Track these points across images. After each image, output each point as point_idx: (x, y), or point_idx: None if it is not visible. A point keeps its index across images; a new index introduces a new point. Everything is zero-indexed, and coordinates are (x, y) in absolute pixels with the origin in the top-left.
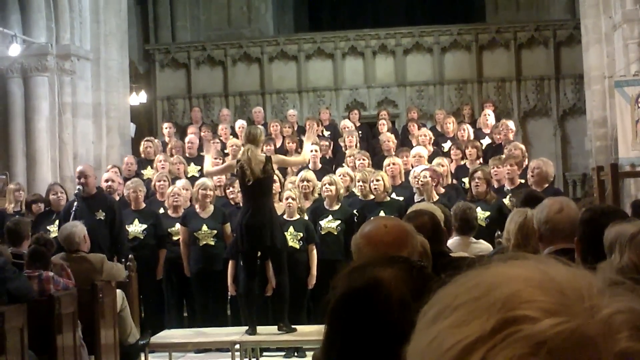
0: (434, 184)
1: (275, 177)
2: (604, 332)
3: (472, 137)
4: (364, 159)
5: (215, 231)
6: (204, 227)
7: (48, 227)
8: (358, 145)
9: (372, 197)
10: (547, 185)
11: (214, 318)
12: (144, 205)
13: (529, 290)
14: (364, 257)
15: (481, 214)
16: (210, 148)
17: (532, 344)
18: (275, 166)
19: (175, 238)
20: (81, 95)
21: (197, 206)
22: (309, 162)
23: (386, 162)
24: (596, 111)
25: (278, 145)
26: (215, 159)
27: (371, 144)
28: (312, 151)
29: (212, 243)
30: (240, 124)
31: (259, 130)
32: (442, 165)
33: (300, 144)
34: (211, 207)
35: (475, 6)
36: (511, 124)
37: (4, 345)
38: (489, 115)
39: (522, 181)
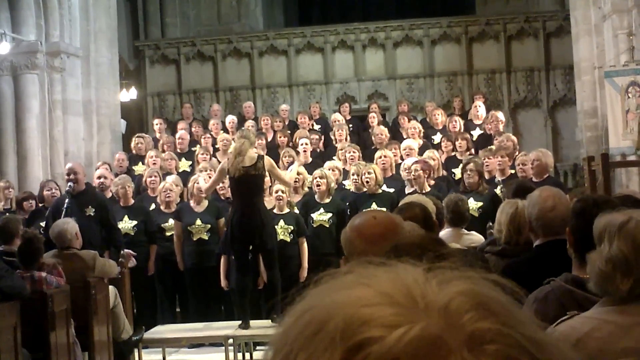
0: (426, 176)
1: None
2: (448, 325)
3: (462, 129)
4: (354, 152)
5: (209, 225)
6: (198, 221)
7: (41, 224)
8: (348, 138)
9: (364, 189)
10: (546, 175)
11: (207, 313)
12: (132, 201)
13: (363, 310)
14: (358, 249)
15: (474, 204)
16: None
17: None
18: (266, 167)
19: (168, 234)
20: (71, 93)
21: (191, 201)
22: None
23: (377, 154)
24: (586, 102)
25: (269, 139)
26: (203, 154)
27: (362, 137)
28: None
29: (206, 237)
30: (231, 119)
31: (251, 133)
32: (433, 159)
33: (291, 138)
34: (205, 202)
35: None
36: (501, 115)
37: None
38: (479, 106)
39: (513, 172)
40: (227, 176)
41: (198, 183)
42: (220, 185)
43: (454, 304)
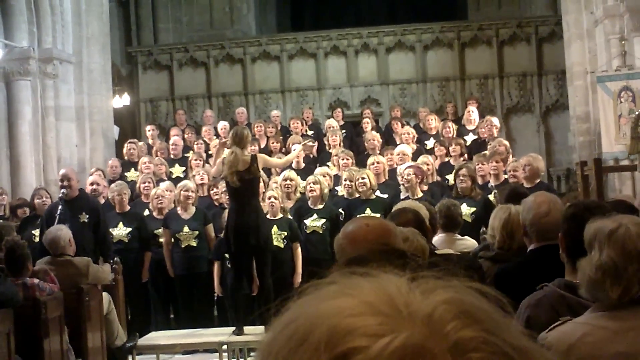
0: (418, 181)
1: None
2: (432, 333)
3: (455, 134)
4: (347, 158)
5: (196, 232)
6: (185, 228)
7: (33, 232)
8: (342, 144)
9: (357, 195)
10: (538, 180)
11: (201, 319)
12: (128, 207)
13: (347, 320)
14: (348, 256)
15: (467, 210)
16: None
17: None
18: (260, 166)
19: (161, 240)
20: (64, 99)
21: (179, 208)
22: (290, 164)
23: (370, 160)
24: (579, 106)
25: (262, 145)
26: (196, 160)
27: (355, 142)
28: (297, 157)
29: (194, 244)
30: (223, 125)
31: (245, 131)
32: (427, 164)
33: (284, 144)
34: (193, 209)
35: (457, 3)
36: (495, 120)
37: None
38: (472, 111)
39: (507, 177)
40: (223, 180)
41: (186, 191)
42: (215, 190)
43: (437, 312)
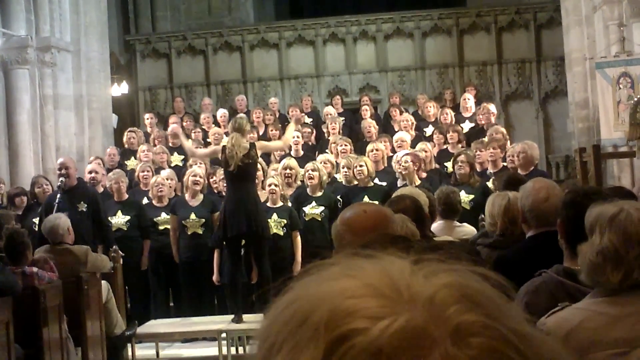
0: (416, 168)
1: (258, 165)
2: (432, 317)
3: (453, 121)
4: (345, 145)
5: (203, 220)
6: (192, 216)
7: (34, 220)
8: (341, 131)
9: (356, 182)
10: (532, 168)
11: (201, 307)
12: (126, 196)
13: (348, 302)
14: (348, 243)
15: (465, 197)
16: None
17: (369, 355)
18: (259, 152)
19: (161, 228)
20: (62, 87)
21: (187, 194)
22: (290, 147)
23: (369, 148)
24: (578, 93)
25: (261, 132)
26: (197, 148)
27: (354, 129)
28: (294, 137)
29: (201, 232)
30: (223, 112)
31: (244, 120)
32: (425, 151)
33: (282, 131)
34: (201, 196)
35: None
36: (492, 107)
37: None
38: (468, 99)
39: (505, 164)
40: (221, 168)
41: (194, 176)
42: (214, 178)
43: (439, 296)
